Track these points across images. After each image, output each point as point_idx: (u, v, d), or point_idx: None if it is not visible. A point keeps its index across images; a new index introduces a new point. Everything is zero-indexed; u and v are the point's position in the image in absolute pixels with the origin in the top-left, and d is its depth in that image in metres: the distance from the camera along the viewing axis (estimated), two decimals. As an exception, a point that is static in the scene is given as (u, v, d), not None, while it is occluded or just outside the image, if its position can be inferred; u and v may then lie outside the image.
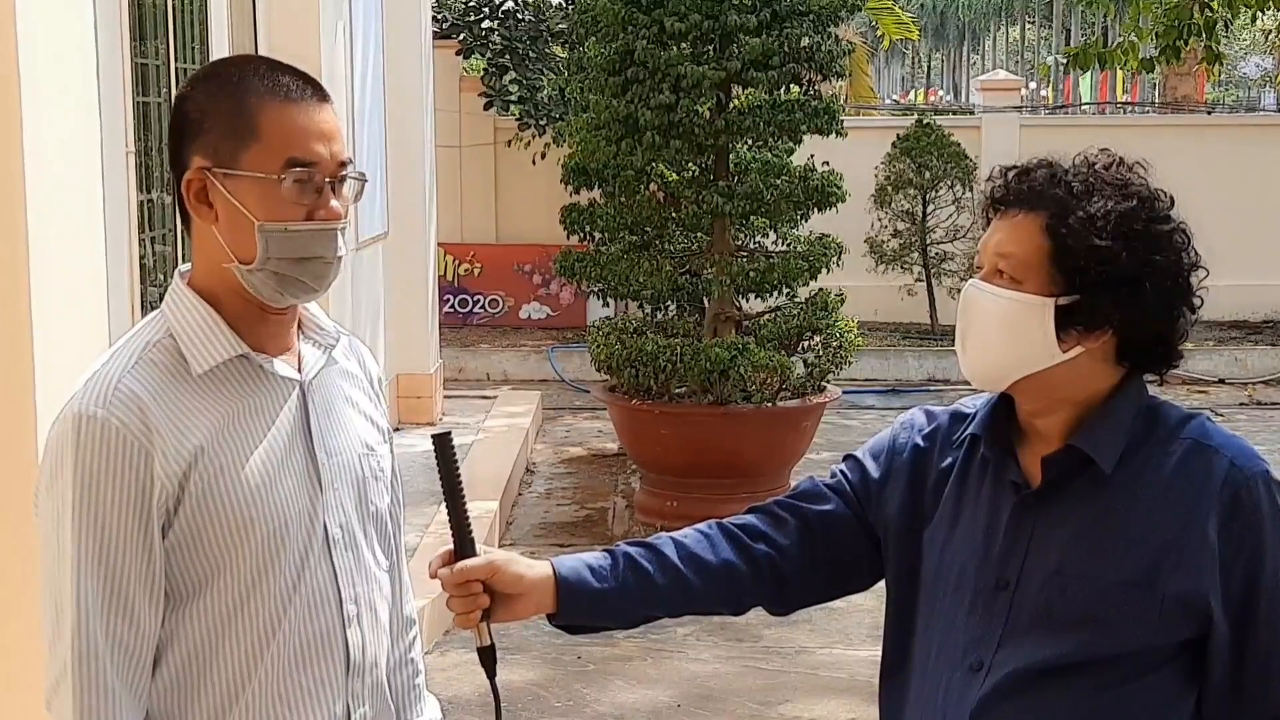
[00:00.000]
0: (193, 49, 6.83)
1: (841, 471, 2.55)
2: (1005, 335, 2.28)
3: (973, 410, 2.45)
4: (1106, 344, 2.28)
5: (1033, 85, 37.38)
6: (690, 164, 9.67)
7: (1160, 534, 2.24)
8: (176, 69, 6.53)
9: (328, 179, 2.25)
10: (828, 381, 9.50)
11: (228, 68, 2.32)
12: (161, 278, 6.18)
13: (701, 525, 2.52)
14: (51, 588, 2.18)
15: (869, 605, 7.15)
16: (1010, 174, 2.34)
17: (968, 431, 2.42)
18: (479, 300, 16.96)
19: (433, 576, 2.33)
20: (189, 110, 2.27)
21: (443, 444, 2.31)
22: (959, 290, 2.35)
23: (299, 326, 2.39)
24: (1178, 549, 2.22)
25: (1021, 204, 2.30)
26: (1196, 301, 2.32)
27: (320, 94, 2.28)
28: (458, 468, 2.33)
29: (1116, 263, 2.23)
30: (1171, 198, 2.33)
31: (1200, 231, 2.36)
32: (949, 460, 2.43)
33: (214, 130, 2.23)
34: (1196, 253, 2.32)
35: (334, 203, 2.25)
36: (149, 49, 6.31)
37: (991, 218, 2.35)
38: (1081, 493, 2.29)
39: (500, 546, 8.56)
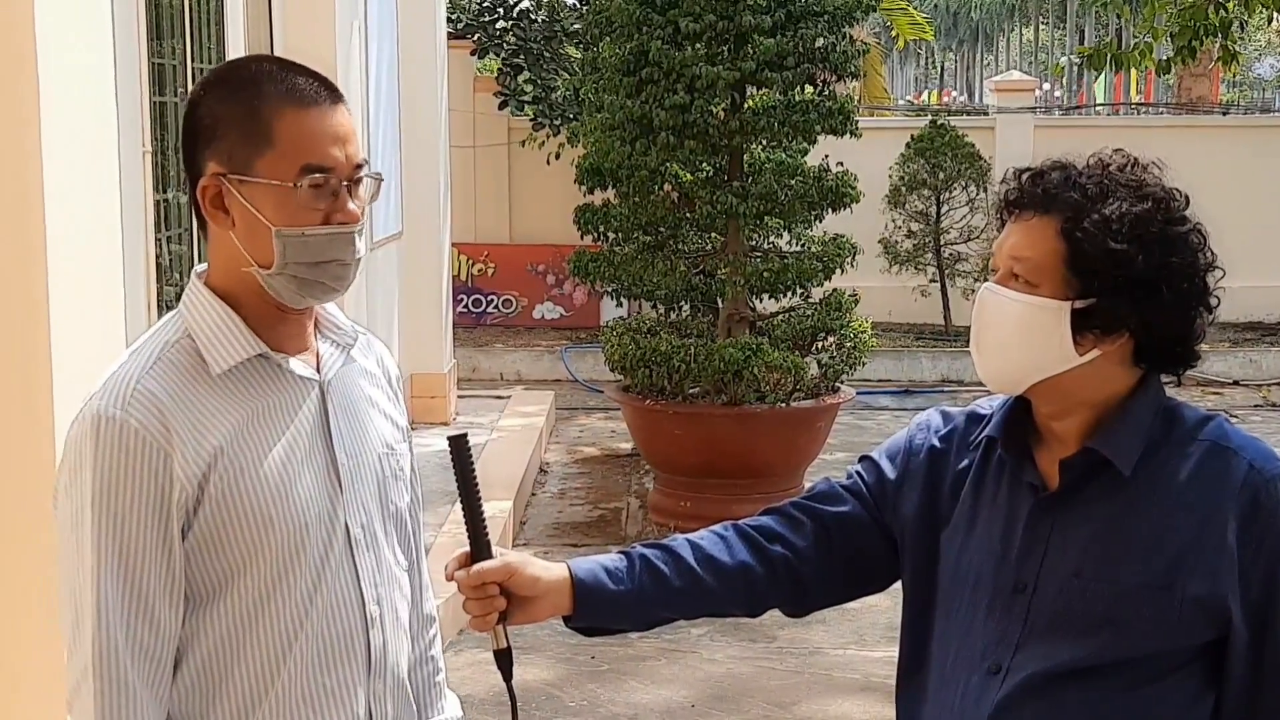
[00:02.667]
0: (209, 49, 6.84)
1: (858, 473, 2.54)
2: (1021, 339, 2.27)
3: (989, 411, 2.44)
4: (1123, 346, 2.27)
5: (1046, 86, 37.32)
6: (704, 164, 9.67)
7: (1179, 536, 2.23)
8: (193, 68, 6.54)
9: (344, 182, 2.24)
10: (841, 382, 9.50)
11: (239, 71, 2.30)
12: (178, 277, 6.19)
13: (717, 527, 2.51)
14: (71, 589, 2.18)
15: (884, 606, 7.17)
16: (1024, 176, 2.33)
17: (984, 434, 2.41)
18: (493, 300, 16.97)
19: (449, 579, 2.33)
20: (202, 115, 2.26)
21: (459, 446, 2.31)
22: (973, 291, 2.34)
23: (316, 326, 2.39)
24: (1196, 551, 2.22)
25: (1036, 206, 2.29)
26: (1213, 302, 2.31)
27: (334, 95, 2.26)
28: (474, 470, 2.32)
29: (1133, 265, 2.22)
30: (1187, 197, 2.31)
31: (1215, 233, 2.34)
32: (966, 462, 2.43)
33: (228, 136, 2.22)
34: (1213, 253, 2.30)
35: (351, 205, 2.25)
36: (165, 48, 6.32)
37: (1006, 220, 2.34)
38: (1099, 495, 2.28)
39: (514, 547, 8.58)
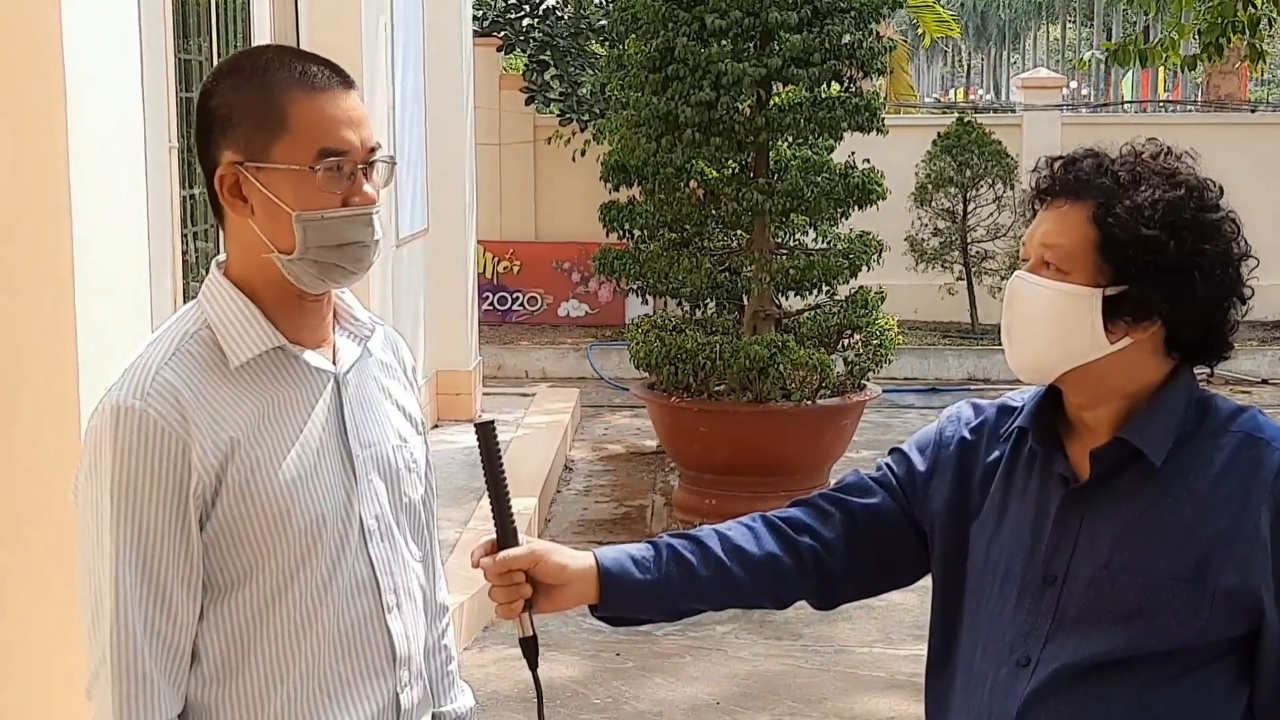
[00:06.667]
0: (235, 45, 6.86)
1: (887, 465, 2.53)
2: (1052, 327, 2.26)
3: (1020, 403, 2.42)
4: (1155, 335, 2.25)
5: (1074, 84, 37.20)
6: (730, 161, 9.66)
7: (1210, 528, 2.21)
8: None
9: (359, 165, 2.26)
10: (867, 380, 9.48)
11: (250, 60, 2.31)
12: (203, 273, 6.19)
13: (745, 518, 2.50)
14: (91, 578, 2.19)
15: (910, 603, 7.18)
16: (1056, 164, 2.32)
17: (1015, 424, 2.39)
18: (518, 298, 16.99)
19: (475, 566, 2.33)
20: (215, 105, 2.27)
21: (486, 433, 2.32)
22: (999, 289, 2.33)
23: (335, 318, 2.40)
24: (1228, 543, 2.19)
25: (1068, 194, 2.27)
26: (1247, 292, 2.29)
27: (345, 81, 2.28)
28: (500, 457, 2.33)
29: (1164, 252, 2.20)
30: (1221, 187, 2.30)
31: (1244, 230, 2.33)
32: (996, 454, 2.41)
33: (243, 124, 2.23)
34: (1246, 242, 2.29)
35: (367, 188, 2.27)
36: (192, 45, 6.34)
37: (1037, 209, 2.33)
38: (1130, 486, 2.26)
39: (539, 543, 8.58)
